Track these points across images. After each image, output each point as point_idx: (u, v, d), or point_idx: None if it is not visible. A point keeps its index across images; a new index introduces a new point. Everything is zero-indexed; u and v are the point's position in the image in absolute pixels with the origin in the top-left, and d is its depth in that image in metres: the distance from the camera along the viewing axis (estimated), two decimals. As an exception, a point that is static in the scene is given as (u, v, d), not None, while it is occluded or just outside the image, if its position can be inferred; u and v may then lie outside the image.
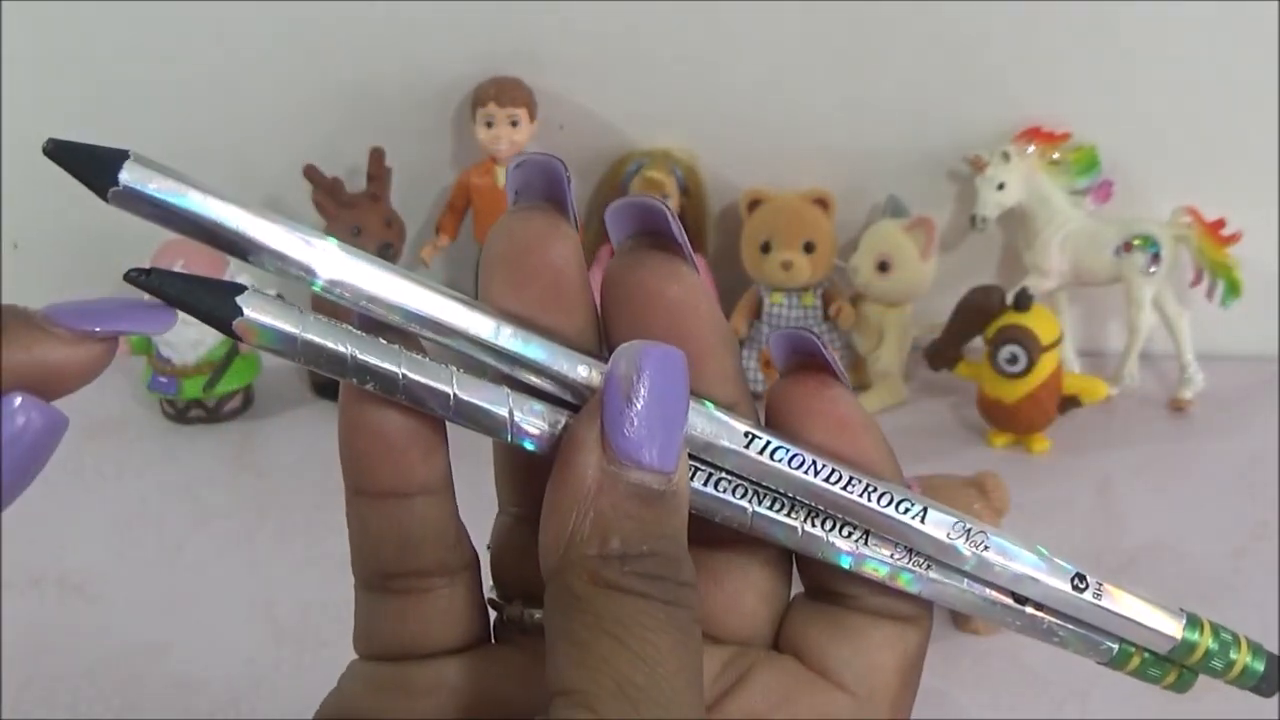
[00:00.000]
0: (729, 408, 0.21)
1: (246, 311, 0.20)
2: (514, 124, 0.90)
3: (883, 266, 0.89)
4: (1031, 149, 0.89)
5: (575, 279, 0.21)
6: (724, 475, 0.21)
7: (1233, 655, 0.24)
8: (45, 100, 0.96)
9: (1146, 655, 0.24)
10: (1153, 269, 0.87)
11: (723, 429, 0.21)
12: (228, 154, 0.97)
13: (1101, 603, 0.23)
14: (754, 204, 0.91)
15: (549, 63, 0.92)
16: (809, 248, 0.89)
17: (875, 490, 0.22)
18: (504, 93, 0.89)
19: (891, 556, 0.22)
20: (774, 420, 0.22)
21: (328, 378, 0.20)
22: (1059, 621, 0.23)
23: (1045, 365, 0.81)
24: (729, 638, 0.23)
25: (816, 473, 0.21)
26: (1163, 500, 0.80)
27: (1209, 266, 0.87)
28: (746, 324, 0.92)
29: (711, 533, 0.22)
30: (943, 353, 0.85)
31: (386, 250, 0.89)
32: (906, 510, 0.22)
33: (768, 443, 0.21)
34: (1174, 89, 0.91)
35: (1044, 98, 0.91)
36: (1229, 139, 0.92)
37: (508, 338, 0.20)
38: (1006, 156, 0.89)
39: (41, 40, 0.94)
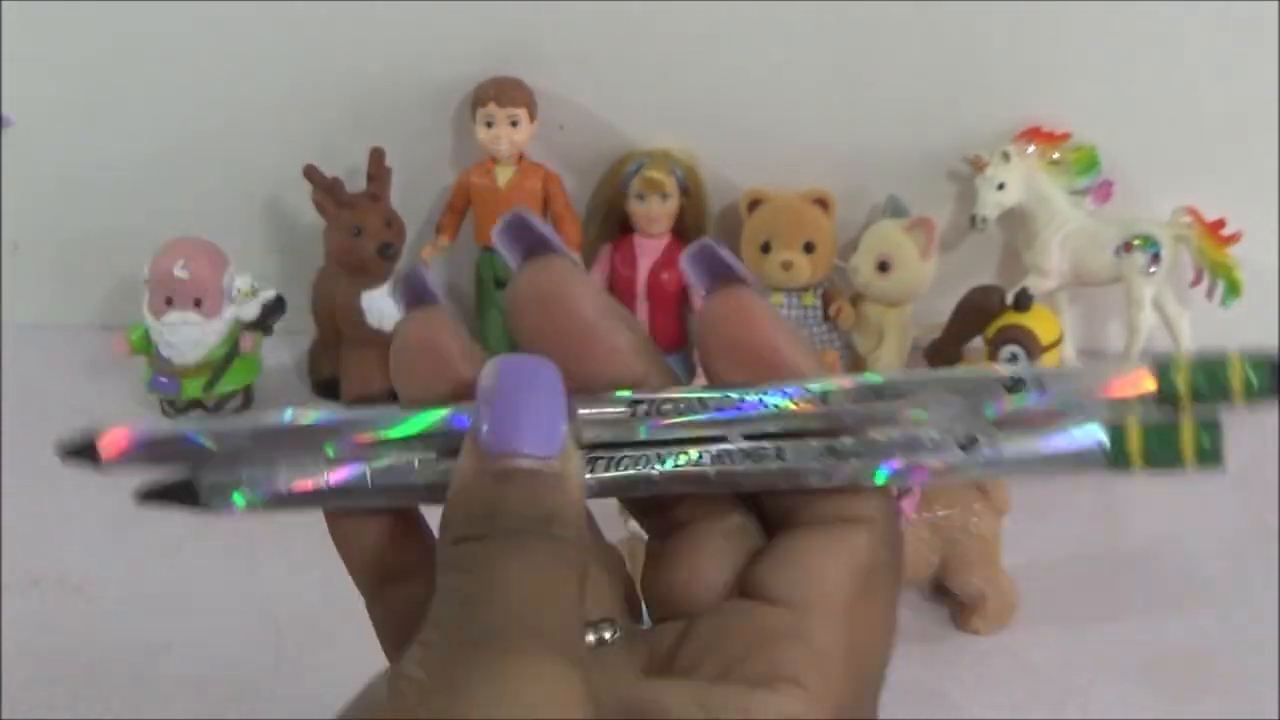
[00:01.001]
0: (637, 383, 0.23)
1: (236, 500, 0.23)
2: (514, 124, 0.90)
3: (883, 266, 0.89)
4: (1031, 149, 0.89)
5: (461, 353, 0.23)
6: (626, 454, 0.22)
7: (1225, 373, 0.21)
8: (45, 100, 0.96)
9: (1144, 428, 0.21)
10: (1153, 269, 0.87)
11: (608, 407, 0.22)
12: (228, 154, 0.97)
13: (1056, 381, 0.21)
14: (754, 204, 0.91)
15: (549, 63, 0.92)
16: (809, 248, 0.89)
17: (748, 396, 0.22)
18: (504, 93, 0.89)
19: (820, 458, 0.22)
20: (699, 340, 0.24)
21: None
22: (1024, 446, 0.21)
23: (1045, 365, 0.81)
24: (699, 608, 0.23)
25: (705, 407, 0.22)
26: (1163, 500, 0.80)
27: (1209, 266, 0.87)
28: (746, 324, 0.92)
29: (672, 518, 0.23)
30: (943, 353, 0.85)
31: (387, 250, 0.89)
32: (763, 402, 0.22)
33: (653, 403, 0.22)
34: (1174, 89, 0.91)
35: (1044, 98, 0.91)
36: (1229, 139, 0.91)
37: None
38: (1006, 156, 0.89)
39: (41, 40, 0.94)
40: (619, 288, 0.93)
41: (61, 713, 0.64)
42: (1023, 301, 0.81)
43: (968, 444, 0.21)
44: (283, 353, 0.96)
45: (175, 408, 0.90)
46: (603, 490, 0.22)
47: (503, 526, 0.20)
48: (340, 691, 0.21)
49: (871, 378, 0.22)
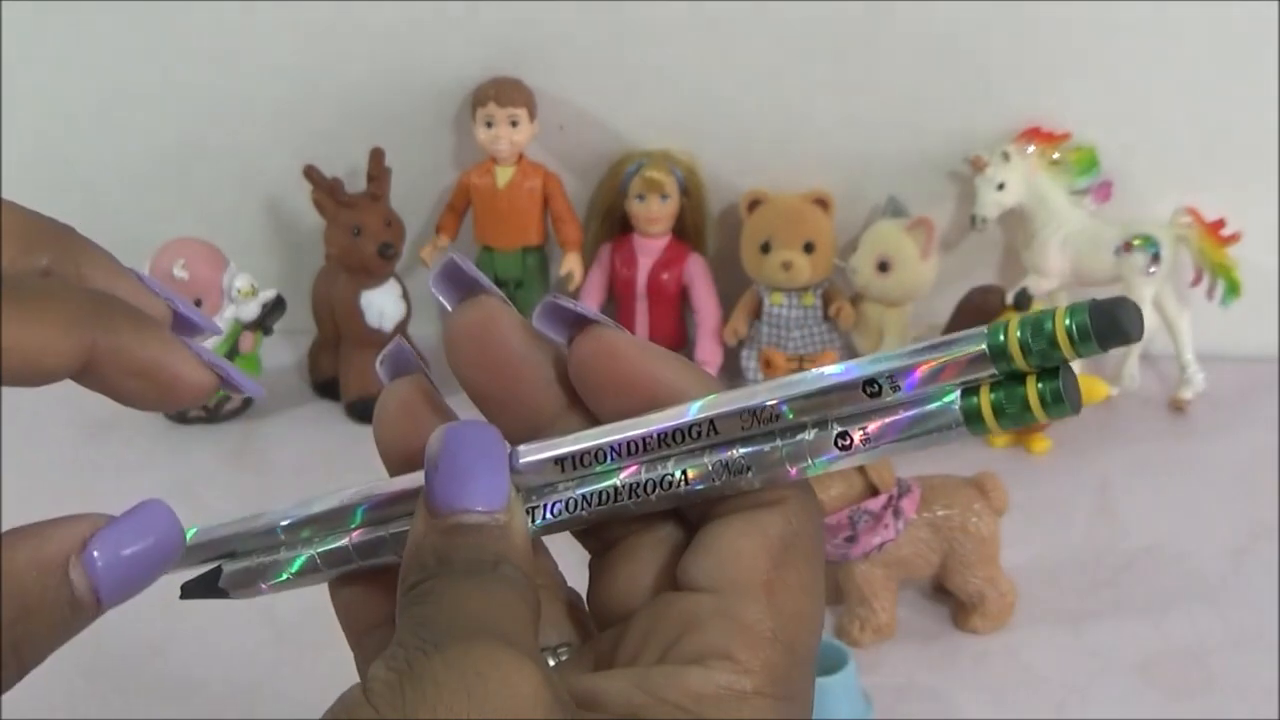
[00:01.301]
0: (560, 412, 0.24)
1: (263, 586, 0.26)
2: (514, 124, 0.90)
3: (883, 266, 0.89)
4: (1031, 149, 0.89)
5: (436, 413, 0.25)
6: (559, 499, 0.24)
7: (1049, 325, 0.21)
8: (46, 101, 0.96)
9: (992, 387, 0.21)
10: (1153, 269, 0.87)
11: (542, 466, 0.24)
12: (228, 154, 0.97)
13: (915, 356, 0.22)
14: (754, 204, 0.91)
15: (549, 63, 0.92)
16: (809, 248, 0.89)
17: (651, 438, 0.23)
18: (504, 93, 0.89)
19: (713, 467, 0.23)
20: (579, 392, 0.24)
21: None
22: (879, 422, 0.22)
23: (1045, 365, 0.81)
24: (636, 610, 0.24)
25: (614, 452, 0.23)
26: (1163, 500, 0.80)
27: (1209, 266, 0.87)
28: (746, 324, 0.92)
29: (607, 536, 0.25)
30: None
31: (387, 250, 0.89)
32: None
33: (575, 456, 0.23)
34: (1174, 89, 0.91)
35: (1044, 98, 0.91)
36: (1229, 139, 0.92)
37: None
38: (1006, 156, 0.89)
39: (42, 40, 0.94)
40: (619, 288, 0.93)
41: (61, 713, 0.64)
42: (1023, 301, 0.81)
43: (842, 441, 0.22)
44: (283, 353, 0.96)
45: (175, 408, 0.90)
46: (545, 530, 0.24)
47: (453, 569, 0.22)
48: (340, 692, 0.21)
49: (752, 396, 0.23)
